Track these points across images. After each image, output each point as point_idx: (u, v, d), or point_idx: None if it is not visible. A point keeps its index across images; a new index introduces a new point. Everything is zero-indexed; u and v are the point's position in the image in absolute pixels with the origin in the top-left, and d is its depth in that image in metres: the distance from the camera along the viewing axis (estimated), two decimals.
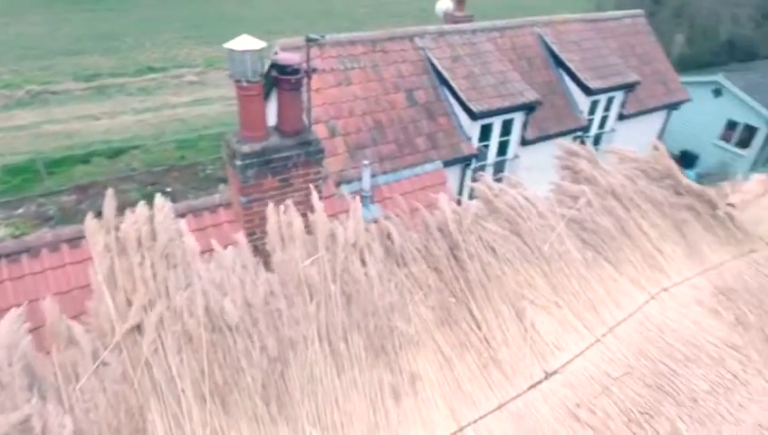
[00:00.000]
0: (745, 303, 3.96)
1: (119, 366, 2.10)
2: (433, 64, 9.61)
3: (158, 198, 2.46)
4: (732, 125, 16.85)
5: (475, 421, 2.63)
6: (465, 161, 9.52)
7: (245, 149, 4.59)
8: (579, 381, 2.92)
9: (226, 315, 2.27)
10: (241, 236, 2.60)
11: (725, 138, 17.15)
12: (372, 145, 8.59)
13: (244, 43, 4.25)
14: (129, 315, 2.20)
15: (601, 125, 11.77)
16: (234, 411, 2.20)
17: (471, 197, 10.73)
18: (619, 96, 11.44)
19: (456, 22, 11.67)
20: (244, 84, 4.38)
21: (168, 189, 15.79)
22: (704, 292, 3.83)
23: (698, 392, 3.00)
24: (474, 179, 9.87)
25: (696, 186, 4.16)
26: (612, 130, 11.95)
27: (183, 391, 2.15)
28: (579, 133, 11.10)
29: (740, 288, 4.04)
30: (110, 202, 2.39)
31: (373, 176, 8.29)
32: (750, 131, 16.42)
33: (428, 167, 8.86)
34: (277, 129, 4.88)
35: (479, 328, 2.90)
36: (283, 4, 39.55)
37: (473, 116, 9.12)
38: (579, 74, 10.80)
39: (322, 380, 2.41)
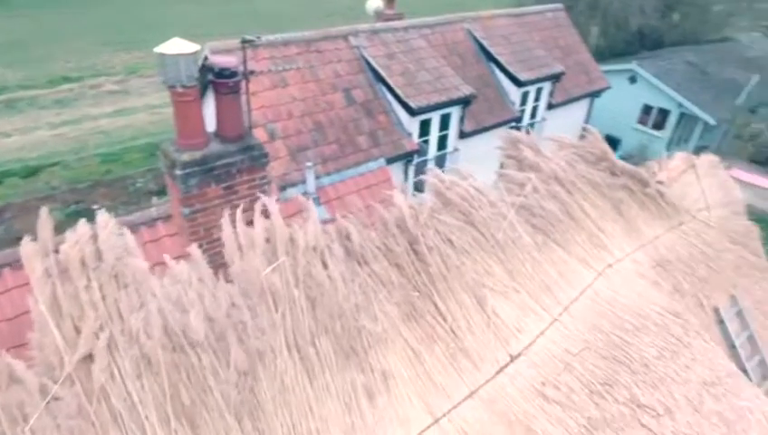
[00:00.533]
0: (680, 272, 4.27)
1: (72, 400, 1.93)
2: (368, 63, 9.62)
3: (101, 214, 2.28)
4: (647, 109, 18.13)
5: (449, 412, 2.66)
6: (407, 158, 9.62)
7: (185, 157, 4.37)
8: (542, 361, 3.03)
9: (190, 332, 2.15)
10: (194, 249, 2.47)
11: (643, 121, 18.43)
12: (314, 146, 8.48)
13: (176, 46, 4.05)
14: (79, 343, 2.03)
15: (533, 115, 12.29)
16: (204, 432, 2.09)
17: (415, 192, 10.82)
18: (547, 86, 11.99)
19: (387, 20, 11.74)
20: (179, 90, 4.17)
21: (96, 207, 14.81)
22: (643, 265, 4.09)
23: (649, 359, 3.20)
24: (423, 174, 9.95)
25: (629, 167, 4.43)
26: (543, 120, 12.50)
27: (146, 417, 2.01)
28: (512, 124, 11.51)
29: (674, 259, 4.35)
30: (45, 223, 2.19)
31: (317, 177, 8.19)
32: (664, 114, 17.74)
33: (372, 165, 8.86)
34: (217, 134, 4.69)
35: (444, 320, 2.93)
36: (205, 7, 38.20)
37: (412, 112, 9.22)
38: (509, 67, 11.20)
39: (294, 388, 2.34)
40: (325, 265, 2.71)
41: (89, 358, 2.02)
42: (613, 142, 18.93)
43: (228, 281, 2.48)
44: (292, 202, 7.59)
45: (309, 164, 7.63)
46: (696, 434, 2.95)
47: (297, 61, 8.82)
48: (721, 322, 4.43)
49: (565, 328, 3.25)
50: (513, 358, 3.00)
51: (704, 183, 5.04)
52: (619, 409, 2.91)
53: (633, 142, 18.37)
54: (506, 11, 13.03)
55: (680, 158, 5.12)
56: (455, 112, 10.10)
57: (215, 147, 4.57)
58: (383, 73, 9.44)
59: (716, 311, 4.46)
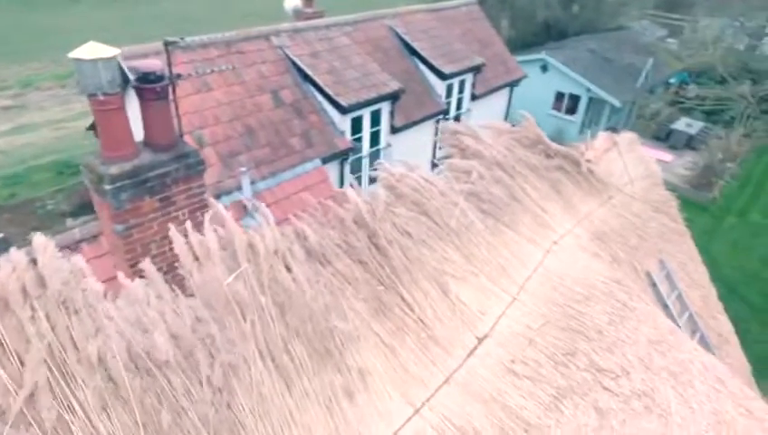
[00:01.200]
0: (614, 243, 4.58)
1: None
2: (294, 62, 9.44)
3: (37, 238, 2.06)
4: (560, 96, 19.30)
5: (428, 400, 2.67)
6: (341, 156, 9.56)
7: (115, 170, 4.05)
8: (507, 340, 3.12)
9: (156, 353, 2.00)
10: (147, 265, 2.29)
11: (556, 107, 19.59)
12: (246, 151, 8.20)
13: (94, 50, 3.74)
14: (26, 378, 1.82)
15: (458, 106, 12.66)
16: None
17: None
18: (469, 78, 12.39)
19: (307, 18, 11.58)
20: (101, 98, 3.86)
21: (1, 235, 13.39)
22: (583, 239, 4.34)
23: (602, 325, 3.41)
24: (359, 171, 9.87)
25: (562, 148, 4.67)
26: (468, 110, 12.92)
27: None
28: (440, 116, 11.80)
29: (608, 231, 4.66)
30: None
31: (252, 183, 7.94)
32: (575, 99, 18.96)
33: (308, 166, 8.73)
34: (147, 144, 4.39)
35: (412, 310, 2.94)
36: (108, 12, 35.70)
37: (343, 110, 9.17)
38: (432, 61, 11.45)
39: (273, 398, 2.24)
40: (288, 269, 2.62)
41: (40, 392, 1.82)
42: None
43: (188, 295, 2.34)
44: (232, 209, 7.31)
45: (243, 169, 7.38)
46: (650, 389, 3.18)
47: (220, 64, 8.48)
48: (653, 284, 4.81)
49: (524, 305, 3.37)
50: (480, 340, 3.07)
51: (626, 159, 5.44)
52: (582, 375, 3.07)
53: (550, 128, 19.44)
54: (425, 6, 13.31)
55: (603, 137, 5.48)
56: (385, 108, 10.18)
57: (146, 157, 4.28)
58: (310, 73, 9.31)
59: (648, 275, 4.83)
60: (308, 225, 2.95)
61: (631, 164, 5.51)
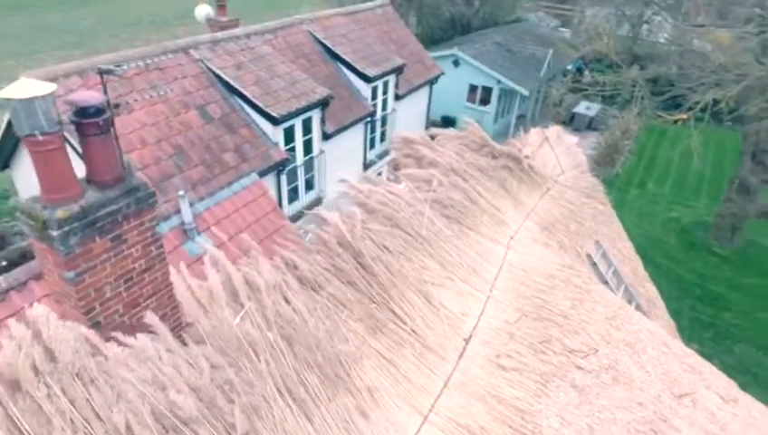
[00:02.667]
0: (559, 231, 5.00)
1: None
2: (218, 75, 9.15)
3: (35, 308, 1.94)
4: (473, 88, 20.23)
5: (433, 406, 2.83)
6: (277, 168, 9.42)
7: (61, 214, 3.77)
8: (490, 336, 3.36)
9: (179, 410, 1.97)
10: (152, 317, 2.23)
11: (471, 99, 20.52)
12: (179, 172, 7.86)
13: (27, 87, 3.46)
14: None
15: (384, 107, 12.90)
16: None
17: (290, 202, 10.65)
18: (392, 79, 12.66)
19: (223, 28, 11.21)
20: (40, 138, 3.58)
21: None
22: (534, 231, 4.71)
23: (566, 310, 3.75)
24: (296, 181, 9.76)
25: (505, 148, 5.01)
26: (393, 110, 13.21)
27: None
28: (369, 119, 11.97)
29: (552, 220, 5.08)
30: None
31: (191, 205, 7.63)
32: (487, 91, 19.97)
33: (245, 181, 8.51)
34: (90, 181, 4.13)
35: (404, 323, 3.08)
36: None
37: (275, 121, 9.04)
38: (355, 65, 11.57)
39: (297, 433, 2.28)
40: (287, 301, 2.65)
41: None
42: (450, 122, 20.78)
43: (197, 342, 2.30)
44: (172, 236, 7.00)
45: (181, 193, 7.07)
46: (614, 362, 3.57)
47: (139, 83, 8.03)
48: (594, 264, 5.31)
49: (498, 302, 3.63)
50: (467, 341, 3.28)
51: (556, 151, 5.93)
52: (559, 359, 3.38)
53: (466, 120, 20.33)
54: (341, 10, 13.38)
55: (535, 133, 5.92)
56: (315, 115, 10.16)
57: (92, 196, 4.02)
58: (237, 85, 9.07)
59: (589, 256, 5.33)
60: (295, 253, 2.98)
61: (561, 155, 6.01)
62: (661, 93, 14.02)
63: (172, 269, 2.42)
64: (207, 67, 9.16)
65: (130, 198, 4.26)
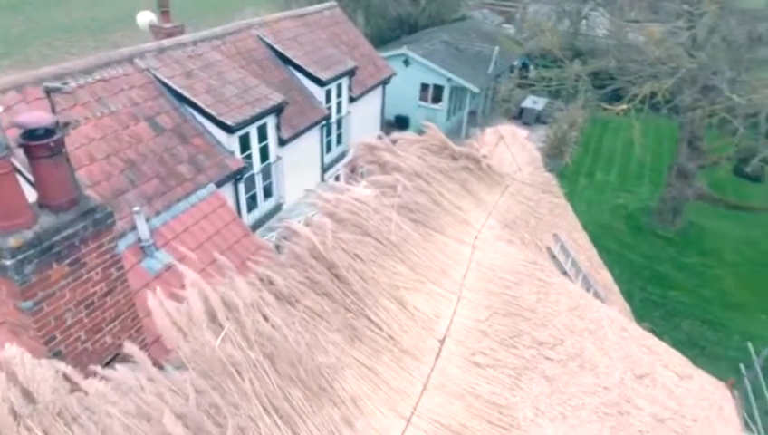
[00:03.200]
0: (519, 227, 5.20)
1: None
2: (166, 85, 8.88)
3: (7, 349, 1.87)
4: (425, 87, 20.52)
5: (415, 409, 2.90)
6: (234, 177, 9.26)
7: (14, 242, 3.61)
8: (464, 336, 3.47)
9: None
10: (131, 347, 2.18)
11: (423, 98, 20.80)
12: (132, 187, 7.59)
13: None
14: None
15: (338, 110, 12.89)
16: None
17: (249, 210, 10.50)
18: (345, 82, 12.67)
19: (168, 35, 10.88)
20: None
21: None
22: (496, 229, 4.87)
23: (532, 304, 3.92)
24: (254, 189, 9.64)
25: (465, 150, 5.15)
26: (348, 113, 13.22)
27: None
28: (324, 122, 11.93)
29: (512, 217, 5.27)
30: None
31: (146, 220, 7.39)
32: (439, 89, 20.30)
33: (202, 193, 8.31)
34: (43, 205, 3.95)
35: (381, 329, 3.14)
36: None
37: (229, 130, 8.88)
38: (308, 69, 11.50)
39: None
40: (266, 318, 2.65)
41: None
42: (404, 121, 21.01)
43: (178, 367, 2.27)
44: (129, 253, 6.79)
45: (136, 209, 6.84)
46: (579, 350, 3.76)
47: (83, 96, 7.70)
48: (553, 257, 5.55)
49: (469, 301, 3.75)
50: (441, 342, 3.37)
51: (512, 149, 6.14)
52: (529, 352, 3.53)
53: (420, 118, 20.51)
54: (289, 13, 13.26)
55: (491, 132, 6.11)
56: (270, 122, 10.04)
57: (46, 220, 3.86)
58: (187, 94, 8.84)
59: (548, 249, 5.56)
60: (269, 268, 2.98)
61: (517, 153, 6.23)
62: (603, 87, 14.71)
63: (149, 295, 2.37)
64: (155, 76, 8.87)
65: (87, 221, 4.13)
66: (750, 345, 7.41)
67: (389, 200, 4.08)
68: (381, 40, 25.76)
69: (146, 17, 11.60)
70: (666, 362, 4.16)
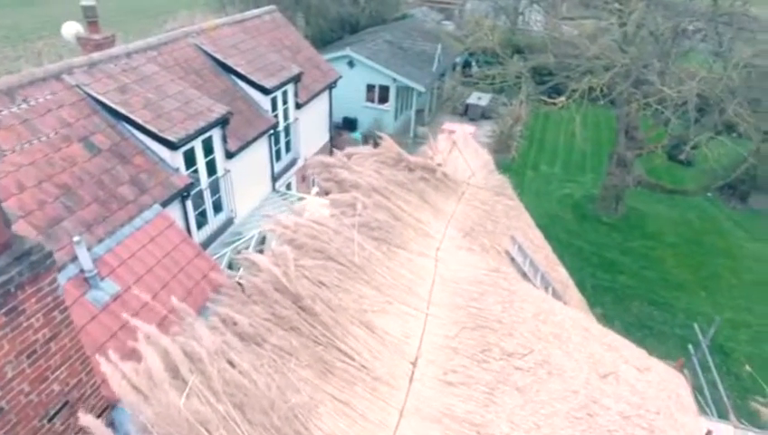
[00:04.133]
0: (479, 233, 5.24)
1: None
2: (100, 102, 8.36)
3: None
4: (371, 88, 20.47)
5: None
6: (181, 194, 8.86)
7: None
8: (435, 355, 3.44)
9: None
10: (89, 419, 2.00)
11: (370, 99, 20.75)
12: (69, 215, 7.08)
13: None
14: None
15: (285, 117, 12.62)
16: None
17: (199, 227, 10.13)
18: (291, 88, 12.41)
19: (97, 46, 10.26)
20: None
21: None
22: (456, 239, 4.89)
23: (498, 314, 3.95)
24: (202, 205, 9.28)
25: (420, 160, 5.14)
26: (296, 120, 12.97)
27: None
28: (272, 131, 11.64)
29: (470, 224, 5.31)
30: None
31: (89, 249, 6.92)
32: (385, 90, 20.31)
33: (148, 215, 7.90)
34: None
35: (353, 359, 3.06)
36: None
37: (172, 146, 8.47)
38: (251, 77, 11.17)
39: None
40: (232, 364, 2.51)
41: None
42: (352, 123, 20.90)
43: (140, 432, 2.10)
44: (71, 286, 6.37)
45: (76, 239, 6.39)
46: (546, 356, 3.83)
47: (5, 118, 7.11)
48: (512, 259, 5.64)
49: (437, 318, 3.73)
50: (413, 363, 3.33)
51: (465, 154, 6.19)
52: (499, 364, 3.55)
53: (368, 119, 20.58)
54: (226, 19, 12.83)
55: (443, 139, 6.13)
56: (216, 134, 9.67)
57: None
58: (123, 111, 8.35)
59: (507, 252, 5.65)
60: (231, 307, 2.83)
61: (470, 158, 6.29)
62: (543, 82, 15.20)
63: (101, 360, 2.18)
64: (86, 93, 8.33)
65: (23, 265, 3.81)
66: (696, 326, 7.87)
67: (350, 220, 4.00)
68: (323, 41, 25.50)
69: (72, 28, 10.88)
70: (626, 358, 4.32)
